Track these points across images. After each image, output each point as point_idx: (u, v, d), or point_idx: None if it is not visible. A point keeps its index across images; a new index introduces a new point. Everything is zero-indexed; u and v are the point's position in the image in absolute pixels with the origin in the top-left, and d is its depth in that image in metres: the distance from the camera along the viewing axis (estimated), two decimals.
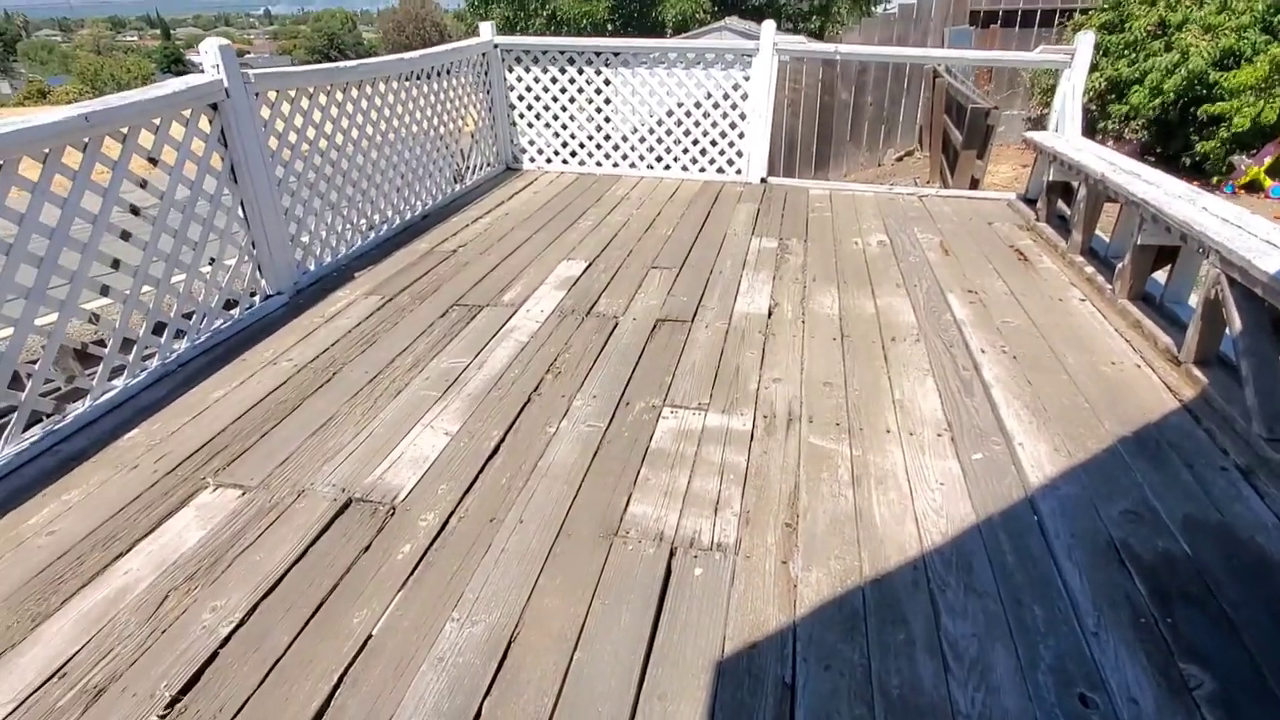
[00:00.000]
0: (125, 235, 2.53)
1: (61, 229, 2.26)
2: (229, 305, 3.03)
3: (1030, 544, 1.85)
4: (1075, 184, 3.81)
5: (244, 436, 2.33)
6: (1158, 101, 8.89)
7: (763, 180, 5.10)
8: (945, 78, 8.18)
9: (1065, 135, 4.41)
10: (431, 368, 2.71)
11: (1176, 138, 9.33)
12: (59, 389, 2.46)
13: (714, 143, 5.11)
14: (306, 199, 3.38)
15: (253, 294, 3.14)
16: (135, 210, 2.55)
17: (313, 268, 3.47)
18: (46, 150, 2.20)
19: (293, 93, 3.23)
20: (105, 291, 2.47)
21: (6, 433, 2.20)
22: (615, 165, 5.31)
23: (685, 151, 5.19)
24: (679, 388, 2.57)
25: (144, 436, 2.34)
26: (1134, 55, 9.38)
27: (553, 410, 2.44)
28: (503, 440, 2.29)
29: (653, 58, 4.93)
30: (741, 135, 5.02)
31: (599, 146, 5.29)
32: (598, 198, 4.76)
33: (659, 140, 5.20)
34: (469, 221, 4.31)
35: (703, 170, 5.20)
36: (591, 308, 3.18)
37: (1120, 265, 3.15)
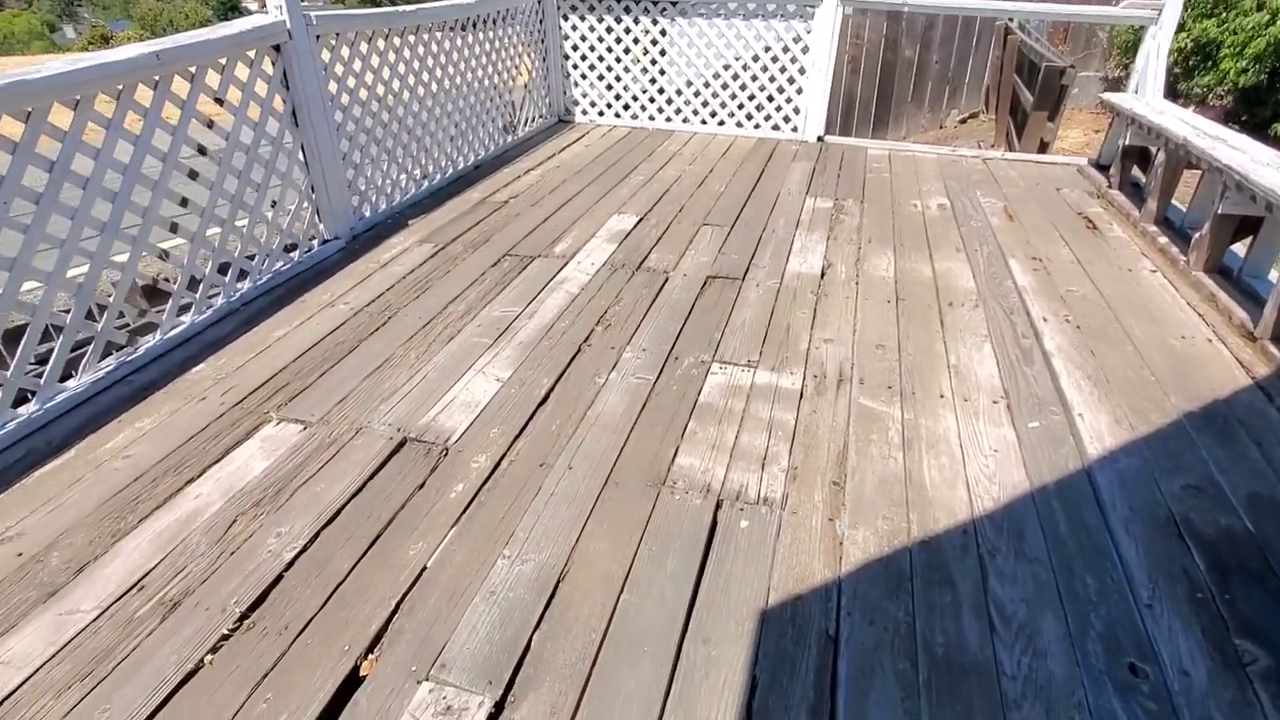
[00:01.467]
0: (193, 175, 2.60)
1: (134, 165, 2.33)
2: (288, 248, 3.10)
3: (1085, 515, 1.81)
4: (1154, 149, 3.62)
5: (304, 374, 2.41)
6: (1246, 65, 8.34)
7: (820, 139, 4.96)
8: (1018, 35, 7.79)
9: (1145, 97, 4.18)
10: (483, 315, 2.74)
11: (1265, 105, 8.77)
12: (128, 324, 2.57)
13: (770, 98, 4.99)
14: (364, 145, 3.41)
15: (311, 238, 3.21)
16: (203, 150, 2.61)
17: (368, 214, 3.52)
18: (120, 86, 2.25)
19: (352, 35, 3.24)
20: (174, 230, 2.55)
21: (84, 361, 2.31)
22: (668, 120, 5.22)
23: (740, 107, 5.07)
24: (728, 344, 2.56)
25: (210, 370, 2.43)
26: (1224, 15, 8.79)
27: (602, 361, 2.46)
28: (553, 389, 2.32)
29: (711, 8, 4.80)
30: (800, 91, 4.88)
31: (652, 100, 5.21)
32: (650, 152, 4.70)
33: (714, 95, 5.09)
34: (521, 173, 4.31)
35: (758, 127, 5.08)
36: (642, 262, 3.17)
37: (1197, 235, 3.00)
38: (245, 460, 2.03)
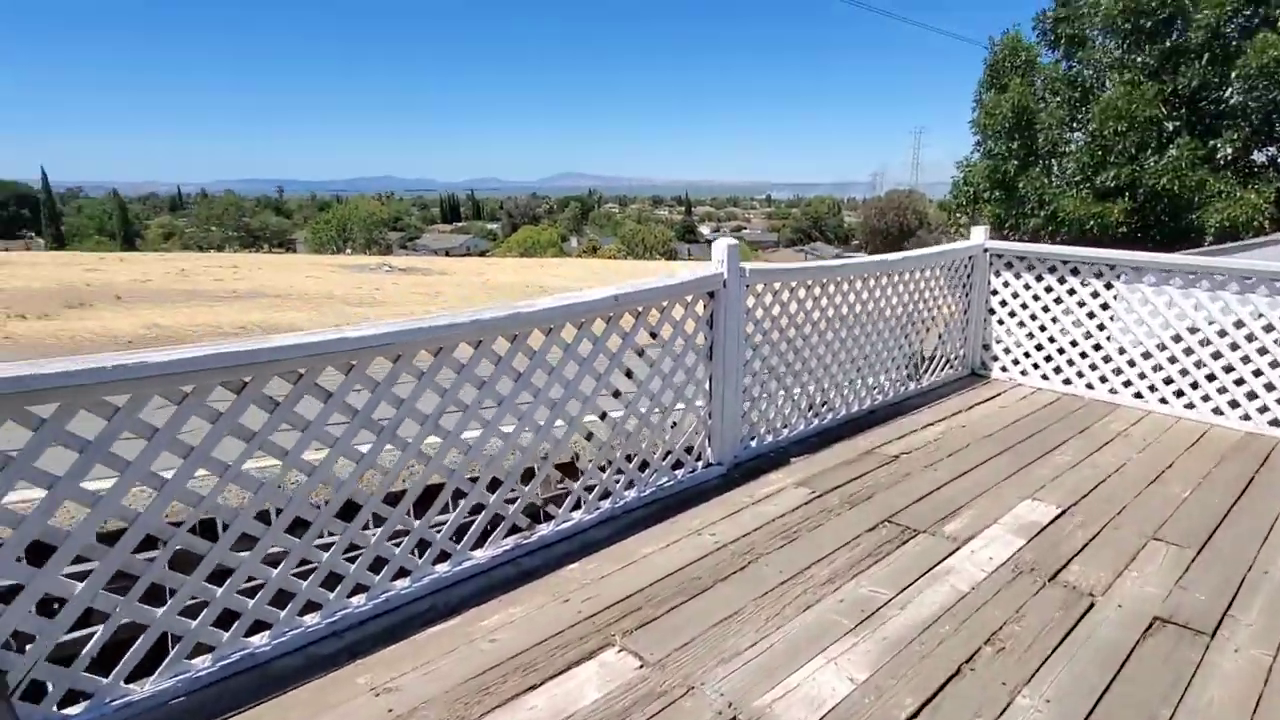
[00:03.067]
0: (616, 394, 2.94)
1: (575, 383, 2.73)
2: (674, 466, 3.28)
3: None
4: None
5: (656, 603, 2.39)
6: None
7: None
8: None
9: None
10: (848, 590, 2.45)
11: None
12: (531, 505, 2.91)
13: (1257, 372, 3.90)
14: (765, 380, 3.55)
15: (697, 459, 3.36)
16: (629, 374, 2.96)
17: (754, 444, 3.58)
18: (582, 321, 2.70)
19: (777, 285, 3.49)
20: (589, 438, 2.88)
21: (493, 536, 2.64)
22: (1112, 391, 4.43)
23: (1211, 379, 4.04)
24: None
25: (580, 573, 2.57)
26: None
27: (987, 699, 1.94)
28: (917, 715, 1.89)
29: (1187, 277, 4.08)
30: None
31: (1093, 367, 4.46)
32: (1082, 428, 4.00)
33: (1171, 360, 4.15)
34: (919, 426, 4.02)
35: (1246, 418, 3.96)
36: (1058, 573, 2.56)
37: None
38: (581, 683, 2.02)
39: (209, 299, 19.09)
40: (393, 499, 2.35)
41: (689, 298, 3.09)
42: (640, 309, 2.91)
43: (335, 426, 2.17)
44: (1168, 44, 11.74)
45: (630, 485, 3.08)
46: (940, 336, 4.74)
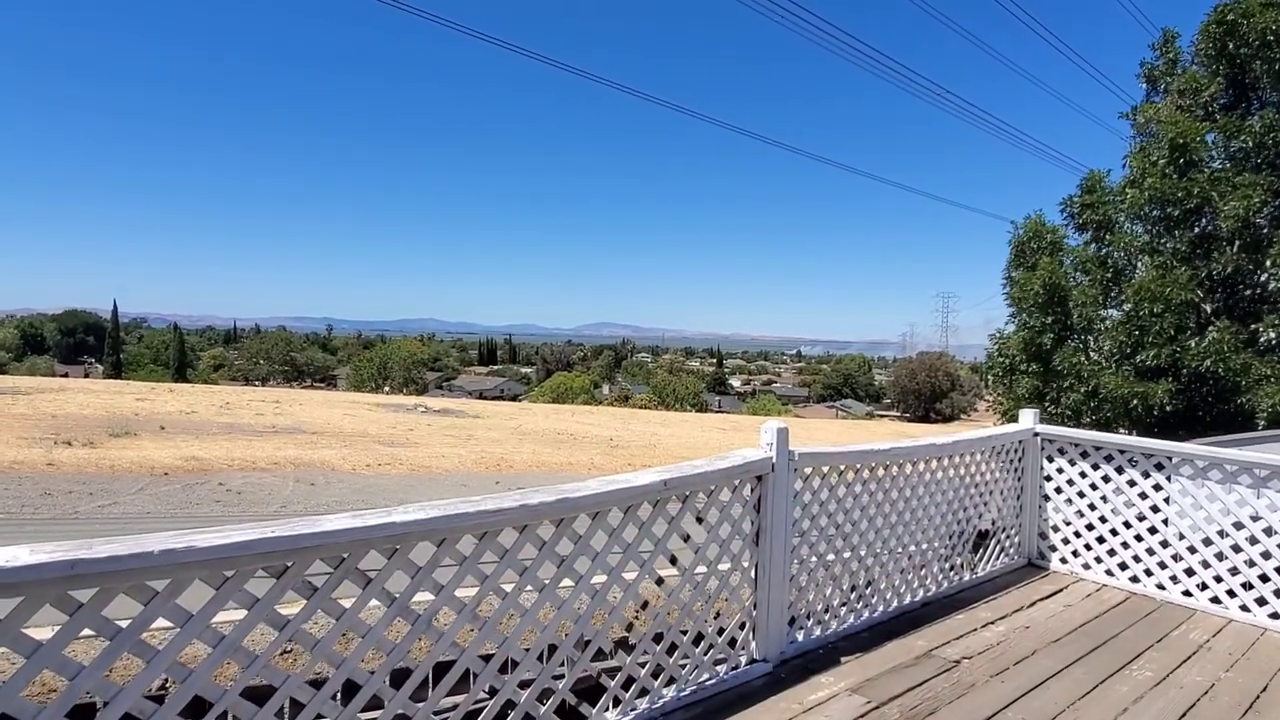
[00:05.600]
0: (659, 581, 2.80)
1: (618, 569, 2.61)
2: (717, 662, 3.05)
3: None
4: None
5: None
6: None
7: None
8: None
9: None
10: None
11: None
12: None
13: None
14: (813, 569, 3.37)
15: (740, 654, 3.12)
16: (673, 560, 2.84)
17: (800, 639, 3.34)
18: (630, 504, 2.63)
19: (826, 469, 3.41)
20: (629, 629, 2.71)
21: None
22: (1186, 594, 4.08)
23: None
24: None
25: None
26: None
27: None
28: None
29: (1256, 475, 3.89)
30: None
31: (1162, 565, 4.16)
32: (1159, 637, 3.67)
33: (1248, 563, 3.83)
34: (978, 625, 3.73)
35: None
36: None
37: None
38: None
39: (249, 433, 19.48)
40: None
41: (736, 481, 3.02)
42: (688, 493, 2.84)
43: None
44: (1196, 230, 12.07)
45: (670, 682, 2.86)
46: (994, 522, 4.52)
